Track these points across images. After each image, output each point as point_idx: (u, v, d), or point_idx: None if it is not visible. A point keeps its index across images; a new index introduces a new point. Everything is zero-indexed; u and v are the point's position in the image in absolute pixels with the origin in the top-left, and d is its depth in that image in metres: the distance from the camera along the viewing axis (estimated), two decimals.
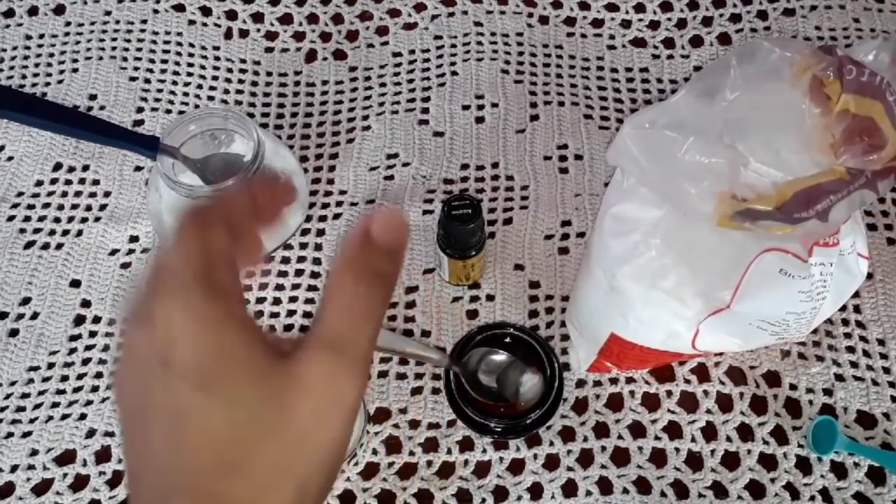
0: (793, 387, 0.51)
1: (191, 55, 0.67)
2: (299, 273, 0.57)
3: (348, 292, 0.24)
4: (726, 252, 0.40)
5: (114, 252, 0.58)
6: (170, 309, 0.22)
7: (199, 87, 0.66)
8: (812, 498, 0.47)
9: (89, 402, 0.52)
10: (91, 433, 0.51)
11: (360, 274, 0.24)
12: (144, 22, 0.69)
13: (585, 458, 0.49)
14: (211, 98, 0.65)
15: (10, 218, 0.60)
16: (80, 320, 0.55)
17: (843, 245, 0.41)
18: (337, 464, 0.25)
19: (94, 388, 0.53)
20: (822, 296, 0.42)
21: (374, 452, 0.50)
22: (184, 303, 0.22)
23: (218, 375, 0.22)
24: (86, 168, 0.62)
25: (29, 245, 0.58)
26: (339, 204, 0.60)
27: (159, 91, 0.65)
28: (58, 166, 0.62)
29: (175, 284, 0.22)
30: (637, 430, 0.50)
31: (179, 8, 0.70)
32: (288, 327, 0.54)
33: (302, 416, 0.23)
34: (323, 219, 0.59)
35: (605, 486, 0.48)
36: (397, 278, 0.26)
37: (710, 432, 0.50)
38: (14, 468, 0.50)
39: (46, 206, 0.60)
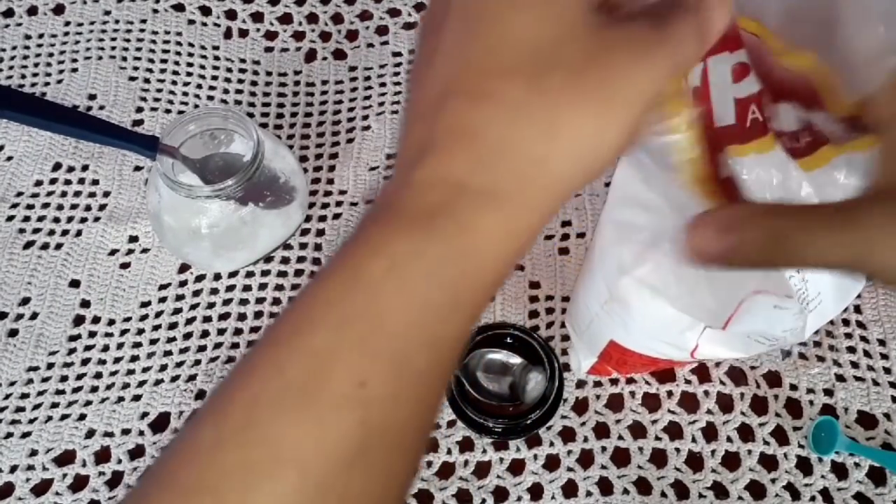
0: (793, 387, 0.51)
1: (190, 55, 0.67)
2: (299, 273, 0.57)
3: None
4: (722, 279, 0.37)
5: (113, 252, 0.58)
6: None
7: (199, 86, 0.65)
8: (813, 498, 0.47)
9: (88, 403, 0.52)
10: (90, 433, 0.51)
11: None
12: (144, 22, 0.68)
13: (586, 459, 0.49)
14: (210, 98, 0.65)
15: (10, 218, 0.59)
16: (79, 320, 0.55)
17: None
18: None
19: (94, 389, 0.53)
20: (808, 304, 0.39)
21: None
22: None
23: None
24: (85, 168, 0.61)
25: (28, 245, 0.58)
26: (339, 204, 0.60)
27: (159, 91, 0.65)
28: (57, 166, 0.62)
29: None
30: (637, 430, 0.50)
31: (179, 8, 0.69)
32: None
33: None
34: (323, 219, 0.59)
35: (605, 487, 0.48)
36: None
37: (710, 433, 0.49)
38: (13, 468, 0.50)
39: (46, 205, 0.60)
